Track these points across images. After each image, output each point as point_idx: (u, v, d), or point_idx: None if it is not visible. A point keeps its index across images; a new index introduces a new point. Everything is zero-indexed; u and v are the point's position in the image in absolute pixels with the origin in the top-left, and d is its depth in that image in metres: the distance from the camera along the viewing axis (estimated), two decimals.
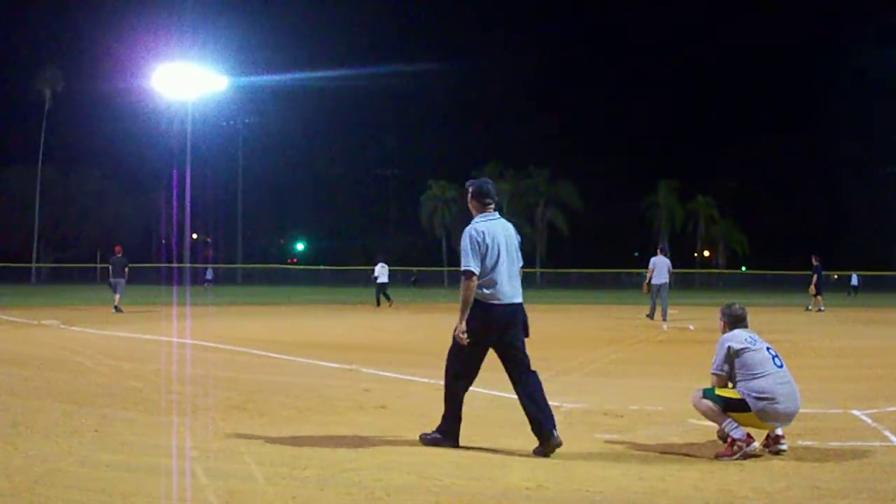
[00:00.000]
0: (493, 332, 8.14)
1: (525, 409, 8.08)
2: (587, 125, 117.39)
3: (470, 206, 8.62)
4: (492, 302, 8.08)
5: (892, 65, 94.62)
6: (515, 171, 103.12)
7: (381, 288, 39.25)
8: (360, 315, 32.43)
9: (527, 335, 8.36)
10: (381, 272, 39.20)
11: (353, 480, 6.82)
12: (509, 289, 8.17)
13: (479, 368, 8.36)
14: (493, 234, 8.21)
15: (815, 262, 35.39)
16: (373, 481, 6.79)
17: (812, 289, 34.11)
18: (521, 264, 8.41)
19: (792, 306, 43.25)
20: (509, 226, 8.48)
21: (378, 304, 39.22)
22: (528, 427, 7.90)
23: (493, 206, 8.48)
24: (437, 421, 8.39)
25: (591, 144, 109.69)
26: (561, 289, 74.29)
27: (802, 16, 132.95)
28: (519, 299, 8.26)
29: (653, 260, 29.02)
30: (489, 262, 8.12)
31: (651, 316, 28.87)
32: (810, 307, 35.55)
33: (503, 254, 8.18)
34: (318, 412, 9.91)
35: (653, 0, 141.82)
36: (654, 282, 28.64)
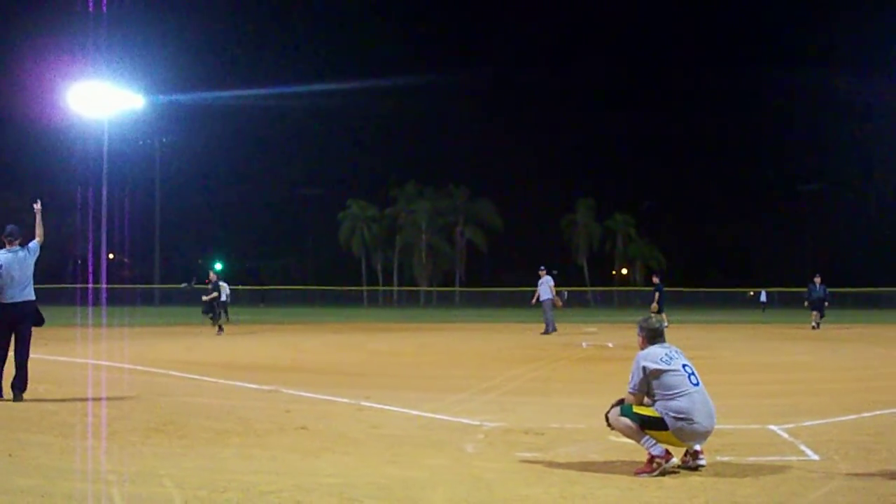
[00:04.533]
0: (7, 321, 12.31)
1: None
2: (506, 144, 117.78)
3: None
4: (4, 302, 12.22)
5: (805, 86, 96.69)
6: (435, 189, 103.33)
7: (222, 306, 40.58)
8: (280, 335, 32.24)
9: (39, 324, 12.77)
10: (221, 291, 40.67)
11: (274, 503, 6.77)
12: (16, 293, 12.32)
13: (8, 345, 12.47)
14: (7, 261, 12.28)
15: (655, 281, 36.08)
16: None
17: (654, 306, 34.72)
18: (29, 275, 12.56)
19: (710, 323, 43.82)
20: (22, 254, 12.43)
21: (220, 318, 40.39)
22: (452, 447, 7.99)
23: (15, 242, 12.49)
24: (358, 441, 8.53)
25: (511, 163, 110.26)
26: (480, 307, 74.39)
27: (718, 37, 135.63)
28: (29, 297, 12.48)
29: (540, 280, 31.92)
30: (2, 279, 12.22)
31: (547, 332, 31.00)
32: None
33: (12, 273, 12.26)
34: (237, 434, 9.82)
35: (568, 19, 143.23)
36: (542, 299, 30.57)
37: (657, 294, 34.94)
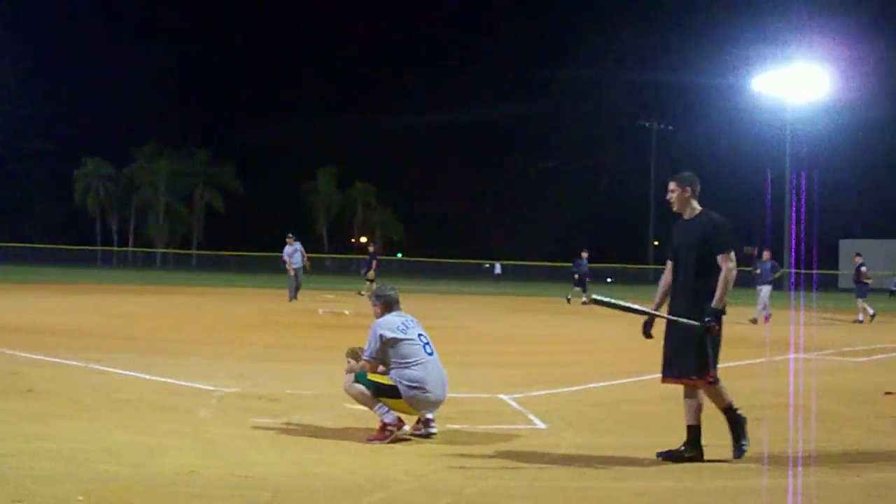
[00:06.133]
0: None
1: None
2: (247, 106, 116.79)
3: None
4: None
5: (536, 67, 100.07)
6: (175, 150, 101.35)
7: None
8: (6, 295, 30.91)
9: None
10: None
11: None
12: None
13: None
14: None
15: (371, 250, 37.17)
16: (19, 470, 6.53)
17: (371, 273, 35.40)
18: None
19: (446, 294, 44.67)
20: None
21: None
22: (185, 412, 7.97)
23: None
24: (88, 405, 8.39)
25: (253, 128, 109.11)
26: (217, 272, 73.41)
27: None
28: None
29: (291, 248, 31.77)
30: None
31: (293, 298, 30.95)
32: (363, 292, 36.24)
33: None
34: None
35: None
36: (294, 266, 31.20)
37: (374, 262, 35.67)
